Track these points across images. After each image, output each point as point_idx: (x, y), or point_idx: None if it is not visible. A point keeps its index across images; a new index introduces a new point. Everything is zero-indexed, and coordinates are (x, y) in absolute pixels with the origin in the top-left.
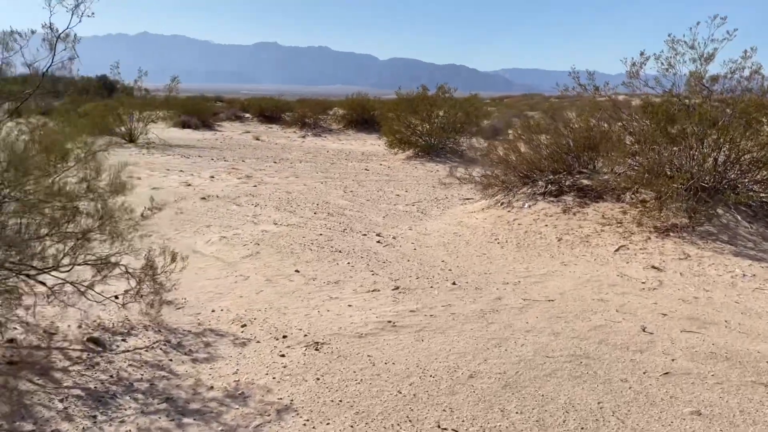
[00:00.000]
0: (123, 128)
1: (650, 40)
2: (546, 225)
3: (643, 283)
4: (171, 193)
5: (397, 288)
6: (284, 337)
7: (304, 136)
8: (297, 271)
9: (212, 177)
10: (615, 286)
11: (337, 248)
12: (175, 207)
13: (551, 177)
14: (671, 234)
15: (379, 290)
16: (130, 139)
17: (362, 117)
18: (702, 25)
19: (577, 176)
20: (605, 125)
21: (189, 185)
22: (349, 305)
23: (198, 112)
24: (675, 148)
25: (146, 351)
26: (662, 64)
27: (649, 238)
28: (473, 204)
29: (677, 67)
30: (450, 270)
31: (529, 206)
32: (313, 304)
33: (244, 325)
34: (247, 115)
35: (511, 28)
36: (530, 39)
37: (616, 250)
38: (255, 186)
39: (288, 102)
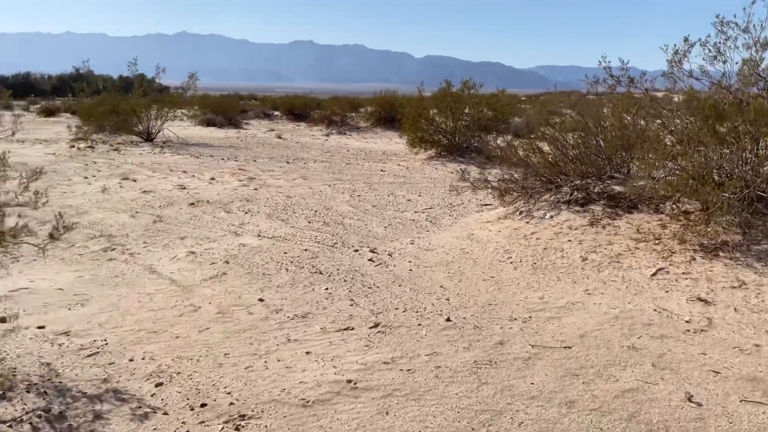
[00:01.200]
0: (140, 126)
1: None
2: (569, 240)
3: (687, 321)
4: (160, 197)
5: (377, 325)
6: (203, 405)
7: (328, 135)
8: (261, 299)
9: (212, 179)
10: (651, 326)
11: (319, 268)
12: (156, 214)
13: (578, 182)
14: (721, 254)
15: (353, 328)
16: (147, 137)
17: (390, 115)
18: (758, 5)
19: (608, 182)
20: (642, 122)
21: (183, 188)
22: (308, 352)
23: (224, 111)
24: (725, 150)
25: (10, 427)
26: (710, 51)
27: (694, 259)
28: (489, 212)
29: (728, 54)
30: (448, 299)
31: (551, 216)
32: (263, 350)
33: (160, 384)
34: (277, 113)
35: (547, 24)
36: (567, 35)
37: (653, 275)
38: (255, 189)
39: (317, 100)
